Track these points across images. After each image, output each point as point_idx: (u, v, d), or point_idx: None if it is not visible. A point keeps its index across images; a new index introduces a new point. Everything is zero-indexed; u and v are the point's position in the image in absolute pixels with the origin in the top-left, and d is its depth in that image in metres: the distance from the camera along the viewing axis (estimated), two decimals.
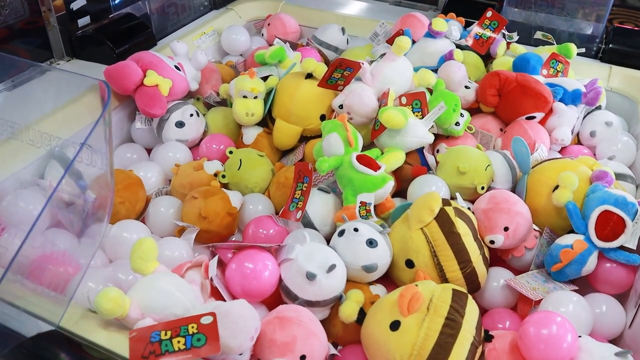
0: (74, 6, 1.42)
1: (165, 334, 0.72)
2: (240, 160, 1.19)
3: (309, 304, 0.89)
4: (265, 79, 1.33)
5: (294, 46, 1.59)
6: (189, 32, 1.60)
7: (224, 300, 0.85)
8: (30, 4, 1.32)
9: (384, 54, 1.42)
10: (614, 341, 0.99)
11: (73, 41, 1.43)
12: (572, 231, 1.05)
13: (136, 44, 1.45)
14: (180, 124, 1.27)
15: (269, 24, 1.72)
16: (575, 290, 1.00)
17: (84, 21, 1.46)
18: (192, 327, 0.73)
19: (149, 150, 1.34)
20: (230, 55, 1.68)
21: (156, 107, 1.23)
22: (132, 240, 1.01)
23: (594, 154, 1.35)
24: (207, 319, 0.73)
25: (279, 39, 1.57)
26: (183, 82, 1.31)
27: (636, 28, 1.66)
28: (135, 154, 1.31)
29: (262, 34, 1.73)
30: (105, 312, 0.73)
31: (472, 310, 0.84)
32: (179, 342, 0.72)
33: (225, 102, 1.43)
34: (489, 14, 1.46)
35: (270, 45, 1.68)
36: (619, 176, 1.20)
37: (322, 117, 1.26)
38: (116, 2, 1.49)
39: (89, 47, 1.43)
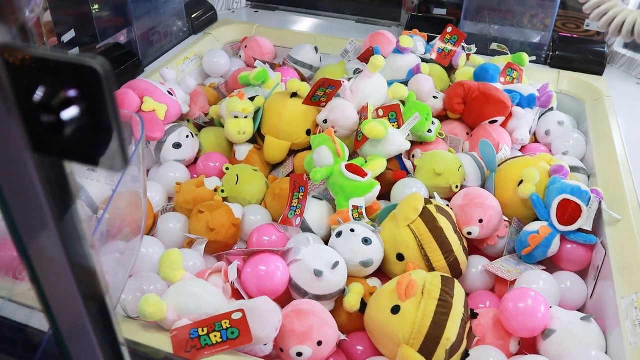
0: (65, 38, 1.51)
1: (203, 330, 0.83)
2: (237, 175, 1.29)
3: (317, 298, 1.00)
4: (251, 99, 1.44)
5: (273, 66, 1.71)
6: (173, 57, 1.70)
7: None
8: (23, 37, 1.40)
9: (358, 70, 1.56)
10: (579, 311, 1.14)
11: None
12: (537, 219, 1.19)
13: (125, 72, 1.54)
14: (177, 145, 1.37)
15: (245, 46, 1.83)
16: (543, 270, 1.15)
17: (74, 52, 1.54)
18: (225, 323, 0.84)
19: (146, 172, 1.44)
20: (212, 78, 1.79)
21: (156, 131, 1.33)
22: (149, 254, 1.11)
23: (550, 151, 1.50)
24: (237, 315, 0.84)
25: (260, 60, 1.68)
26: (176, 106, 1.41)
27: (577, 36, 1.83)
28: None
29: (240, 56, 1.84)
30: (149, 315, 0.83)
31: (459, 292, 0.98)
32: (215, 336, 0.83)
33: (213, 122, 1.53)
34: (449, 29, 1.61)
35: (249, 66, 1.80)
36: (573, 169, 1.34)
37: (308, 132, 1.38)
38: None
39: None
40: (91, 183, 1.21)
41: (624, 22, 0.59)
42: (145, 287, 1.04)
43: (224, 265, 0.99)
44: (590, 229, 1.14)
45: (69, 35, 1.52)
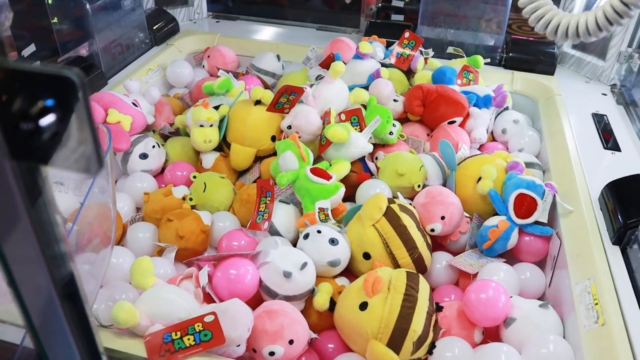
0: (25, 52, 1.51)
1: (176, 334, 0.85)
2: (205, 183, 1.31)
3: (287, 298, 1.03)
4: (216, 108, 1.46)
5: (236, 75, 1.74)
6: (136, 69, 1.71)
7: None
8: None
9: (320, 76, 1.59)
10: (539, 299, 1.19)
11: None
12: (496, 214, 1.24)
13: (89, 84, 1.54)
14: (144, 156, 1.38)
15: (208, 56, 1.85)
16: (504, 262, 1.20)
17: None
18: (198, 326, 0.86)
19: None
20: (176, 88, 1.80)
21: (122, 143, 1.34)
22: (119, 264, 1.12)
23: (507, 148, 1.56)
24: (210, 318, 0.86)
25: (223, 70, 1.71)
26: (141, 117, 1.42)
27: (530, 38, 1.90)
28: None
29: (203, 66, 1.86)
30: (122, 321, 0.84)
31: (424, 286, 1.02)
32: (188, 339, 0.85)
33: (178, 132, 1.55)
34: (406, 34, 1.66)
35: (212, 75, 1.82)
36: (529, 165, 1.40)
37: (273, 138, 1.41)
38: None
39: None
40: (59, 195, 1.22)
41: (559, 25, 0.63)
42: (117, 296, 1.05)
43: (194, 271, 1.01)
44: (545, 221, 1.20)
45: (30, 49, 1.52)
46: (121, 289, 1.06)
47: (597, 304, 0.95)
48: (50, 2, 1.54)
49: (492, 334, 1.05)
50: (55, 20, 1.55)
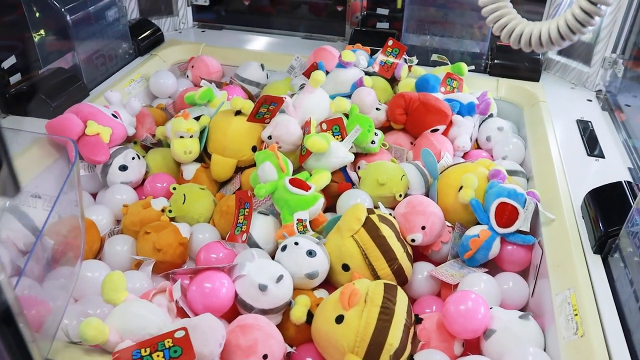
0: (5, 65, 1.49)
1: (145, 351, 0.83)
2: (184, 194, 1.30)
3: (263, 312, 1.01)
4: (197, 118, 1.45)
5: (219, 85, 1.73)
6: (119, 80, 1.70)
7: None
8: None
9: (304, 85, 1.58)
10: (522, 310, 1.17)
11: (7, 98, 1.49)
12: (478, 223, 1.23)
13: (70, 96, 1.53)
14: (123, 168, 1.37)
15: (192, 66, 1.84)
16: (486, 272, 1.18)
17: (15, 78, 1.53)
18: (168, 342, 0.84)
19: (93, 195, 1.43)
20: (160, 99, 1.79)
21: (100, 155, 1.32)
22: (95, 278, 1.11)
23: (492, 156, 1.55)
24: (180, 333, 0.84)
25: (205, 80, 1.69)
26: (121, 128, 1.41)
27: None
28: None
29: (187, 76, 1.85)
30: (90, 338, 0.83)
31: (402, 298, 1.00)
32: (158, 356, 0.83)
33: (160, 143, 1.53)
34: (390, 42, 1.65)
35: (196, 85, 1.80)
36: (513, 173, 1.39)
37: (254, 148, 1.40)
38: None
39: (24, 103, 1.50)
40: (33, 210, 1.20)
41: (522, 34, 0.62)
42: (90, 311, 1.04)
43: (168, 285, 1.00)
44: (528, 230, 1.19)
45: (10, 61, 1.51)
46: (95, 304, 1.04)
47: (576, 314, 0.94)
48: (38, 15, 1.53)
49: (472, 346, 1.04)
50: (37, 32, 1.54)
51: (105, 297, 0.92)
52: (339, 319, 0.95)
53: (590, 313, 0.93)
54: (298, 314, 1.02)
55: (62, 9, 1.53)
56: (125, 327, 0.87)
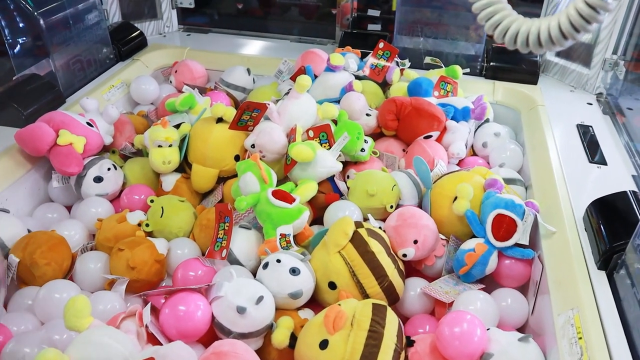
0: None
1: None
2: (162, 207, 1.22)
3: (242, 336, 0.94)
4: (177, 126, 1.38)
5: (203, 91, 1.65)
6: (98, 86, 1.62)
7: (161, 345, 0.89)
8: None
9: (291, 90, 1.51)
10: (522, 328, 1.10)
11: None
12: (474, 236, 1.16)
13: (44, 104, 1.45)
14: (98, 179, 1.29)
15: (176, 71, 1.77)
16: (482, 289, 1.11)
17: None
18: None
19: (68, 208, 1.35)
20: (141, 105, 1.71)
21: (73, 166, 1.25)
22: (63, 299, 1.03)
23: (488, 163, 1.48)
24: None
25: (188, 85, 1.62)
26: (97, 137, 1.33)
27: None
28: (55, 213, 1.31)
29: (171, 81, 1.78)
30: None
31: (391, 320, 0.93)
32: None
33: (141, 152, 1.46)
34: (381, 45, 1.58)
35: (180, 91, 1.73)
36: (510, 181, 1.32)
37: (237, 157, 1.32)
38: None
39: None
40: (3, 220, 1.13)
41: (518, 32, 0.55)
42: (56, 337, 0.96)
43: (138, 308, 0.92)
44: (527, 243, 1.11)
45: None
46: (62, 329, 0.96)
47: (580, 337, 0.86)
48: (10, 19, 1.46)
49: None
50: (10, 37, 1.47)
51: (68, 323, 0.84)
52: (324, 344, 0.88)
53: (595, 336, 0.85)
54: (280, 338, 0.95)
55: (35, 13, 1.46)
56: (88, 357, 0.80)
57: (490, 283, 1.14)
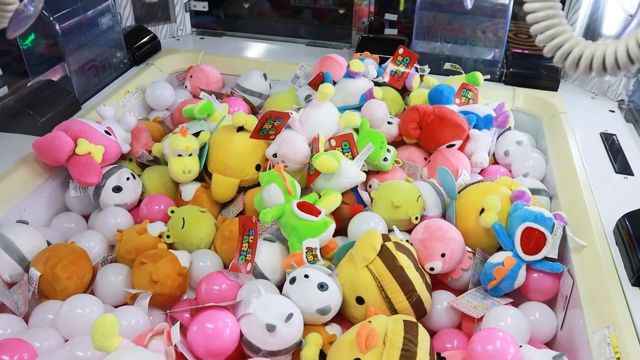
0: None
1: None
2: (183, 218, 1.20)
3: (271, 354, 0.92)
4: (196, 134, 1.35)
5: (219, 96, 1.63)
6: (113, 92, 1.60)
7: None
8: None
9: (309, 96, 1.49)
10: (549, 343, 1.09)
11: None
12: (501, 248, 1.14)
13: (60, 110, 1.43)
14: (117, 189, 1.27)
15: (191, 76, 1.75)
16: (510, 303, 1.09)
17: (1, 92, 1.43)
18: None
19: (86, 217, 1.34)
20: (157, 111, 1.69)
21: (92, 176, 1.23)
22: (86, 315, 1.01)
23: (510, 171, 1.46)
24: None
25: (205, 91, 1.60)
26: (115, 146, 1.31)
27: (530, 52, 1.80)
28: (73, 223, 1.29)
29: (186, 86, 1.76)
30: None
31: (423, 337, 0.91)
32: None
33: (158, 160, 1.44)
34: (400, 50, 1.56)
35: (195, 96, 1.71)
36: (535, 191, 1.30)
37: (258, 167, 1.30)
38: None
39: (11, 119, 1.40)
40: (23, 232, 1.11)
41: (581, 57, 0.53)
42: (80, 354, 0.94)
43: (166, 327, 0.90)
44: (555, 257, 1.10)
45: None
46: (86, 345, 0.94)
47: (619, 358, 0.84)
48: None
49: None
50: (25, 42, 1.45)
51: (96, 344, 0.82)
52: None
53: (634, 356, 0.83)
54: (310, 355, 0.93)
55: (51, 17, 1.44)
56: None
57: (517, 296, 1.12)
